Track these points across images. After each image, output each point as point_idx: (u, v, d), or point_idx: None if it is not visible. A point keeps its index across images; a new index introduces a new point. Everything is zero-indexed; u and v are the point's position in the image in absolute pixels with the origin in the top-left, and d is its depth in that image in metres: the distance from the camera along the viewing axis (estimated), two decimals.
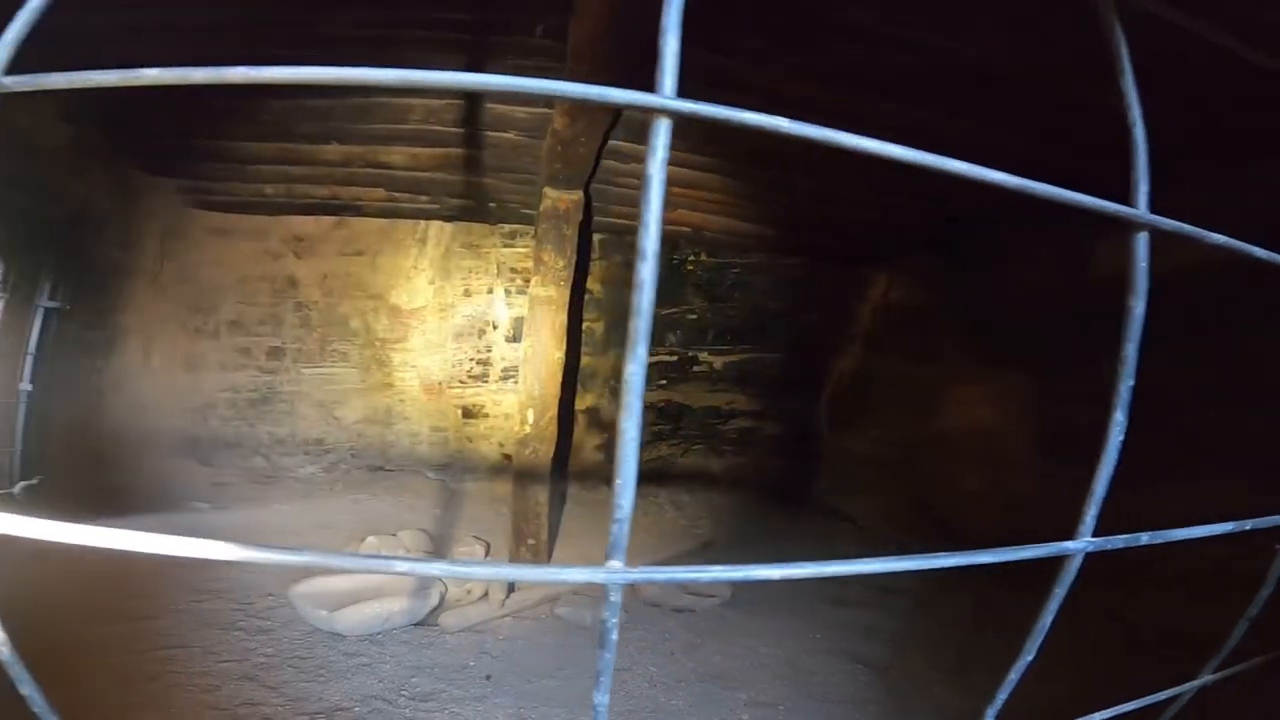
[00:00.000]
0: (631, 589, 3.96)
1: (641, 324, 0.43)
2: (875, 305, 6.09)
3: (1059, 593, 0.58)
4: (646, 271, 0.43)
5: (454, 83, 0.42)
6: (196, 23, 2.90)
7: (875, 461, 5.86)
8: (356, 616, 2.97)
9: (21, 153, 3.41)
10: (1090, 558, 0.56)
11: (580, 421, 5.95)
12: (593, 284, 5.79)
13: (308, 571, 3.44)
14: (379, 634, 2.99)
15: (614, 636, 0.45)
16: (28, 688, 0.46)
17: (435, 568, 0.44)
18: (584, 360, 5.89)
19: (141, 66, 0.41)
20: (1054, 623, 0.57)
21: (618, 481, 0.44)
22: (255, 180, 4.83)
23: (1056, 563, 0.57)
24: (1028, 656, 0.58)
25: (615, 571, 0.44)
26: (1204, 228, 0.56)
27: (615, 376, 6.04)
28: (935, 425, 5.33)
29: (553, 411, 4.11)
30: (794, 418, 6.45)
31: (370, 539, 3.81)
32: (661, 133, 0.42)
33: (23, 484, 3.52)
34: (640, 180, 0.51)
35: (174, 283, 5.27)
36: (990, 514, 4.79)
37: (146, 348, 5.13)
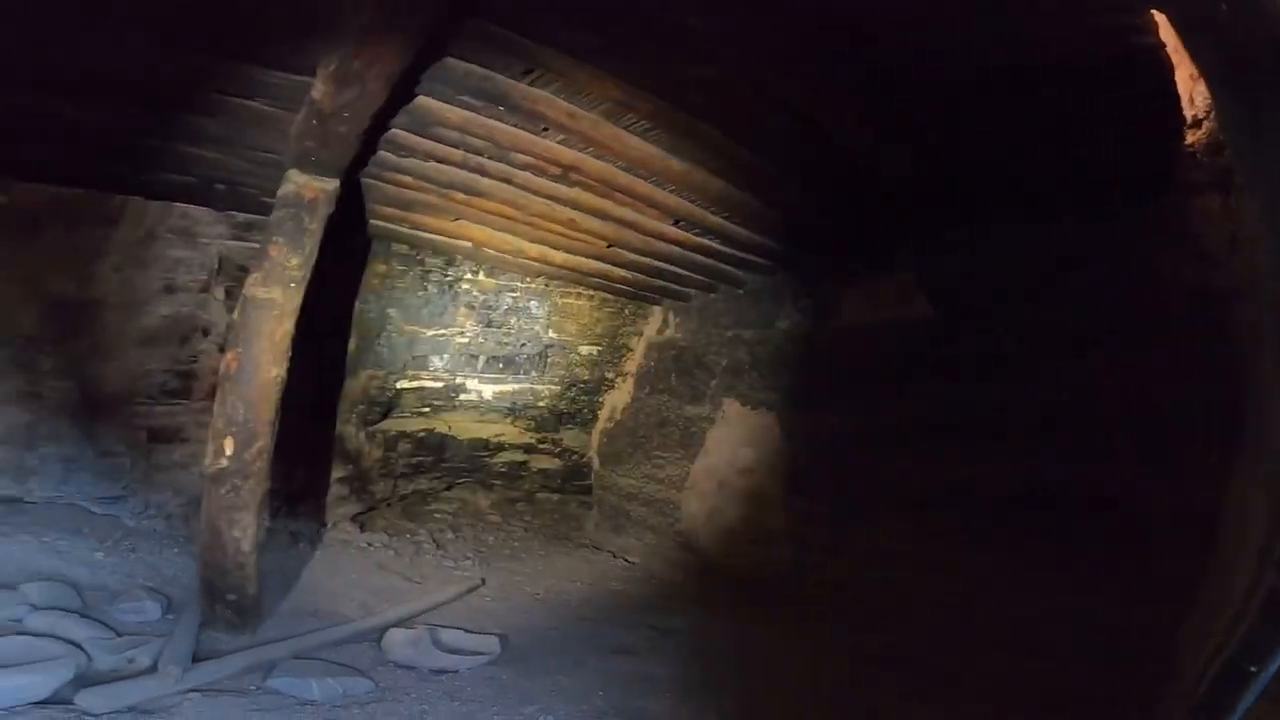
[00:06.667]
0: (378, 647, 3.21)
1: None
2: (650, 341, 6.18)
3: None
4: None
5: None
6: None
7: (640, 497, 5.79)
8: None
9: None
10: None
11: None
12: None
13: None
14: None
15: None
16: None
17: None
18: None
19: None
20: None
21: None
22: None
23: None
24: None
25: None
26: None
27: (365, 401, 5.19)
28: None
29: (264, 441, 3.23)
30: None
31: None
32: None
33: None
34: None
35: None
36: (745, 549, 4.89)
37: None
